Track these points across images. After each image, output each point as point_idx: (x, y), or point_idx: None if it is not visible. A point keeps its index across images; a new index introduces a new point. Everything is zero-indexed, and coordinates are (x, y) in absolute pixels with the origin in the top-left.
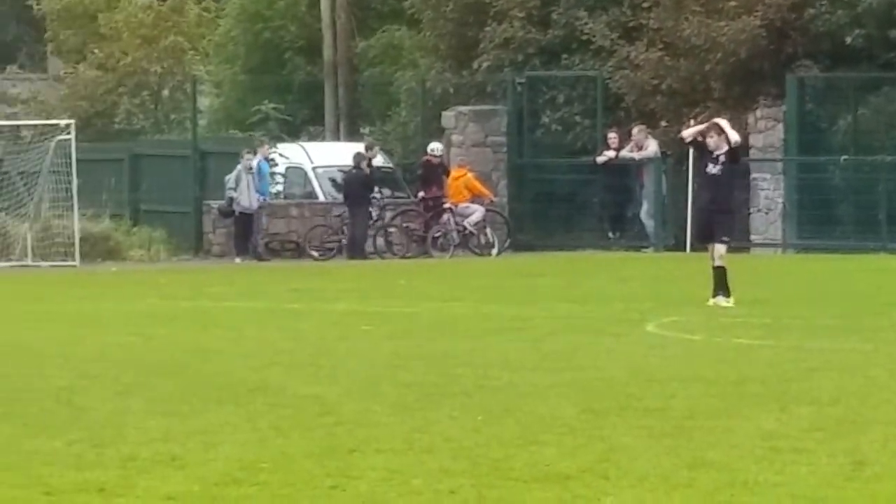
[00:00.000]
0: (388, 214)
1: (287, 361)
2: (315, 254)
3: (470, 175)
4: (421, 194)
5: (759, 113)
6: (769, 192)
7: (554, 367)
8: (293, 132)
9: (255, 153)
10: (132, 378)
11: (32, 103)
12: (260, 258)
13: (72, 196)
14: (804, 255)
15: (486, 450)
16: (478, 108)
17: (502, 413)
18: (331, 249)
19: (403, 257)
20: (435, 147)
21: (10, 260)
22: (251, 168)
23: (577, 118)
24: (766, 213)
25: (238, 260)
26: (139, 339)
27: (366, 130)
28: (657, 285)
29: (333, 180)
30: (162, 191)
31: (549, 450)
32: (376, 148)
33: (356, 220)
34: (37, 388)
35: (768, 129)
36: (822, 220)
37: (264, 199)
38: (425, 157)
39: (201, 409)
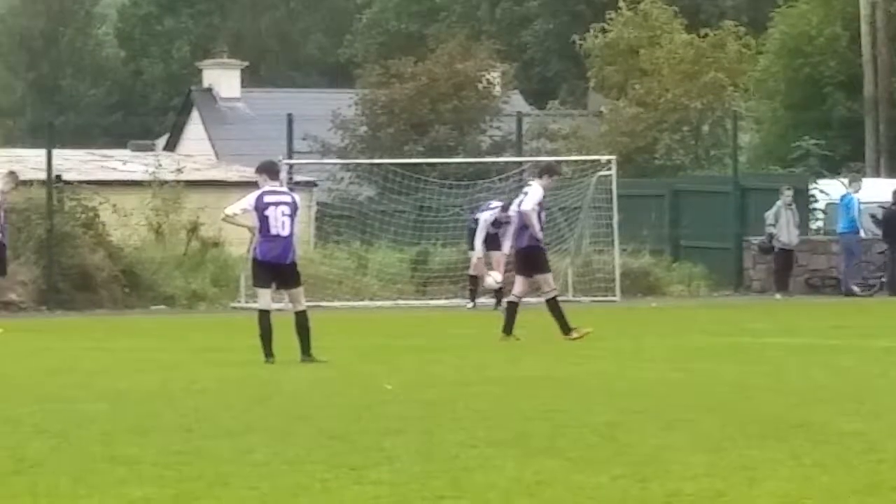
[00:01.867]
0: None
1: (828, 398)
2: (856, 290)
3: None
4: None
5: None
6: None
7: None
8: (833, 168)
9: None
10: (675, 413)
11: (573, 139)
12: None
13: (612, 231)
14: None
15: None
16: None
17: None
18: (872, 286)
19: None
20: None
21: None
22: (790, 204)
23: None
24: None
25: (778, 296)
26: (682, 375)
27: None
28: None
29: (874, 216)
30: (702, 226)
31: None
32: None
33: None
34: (581, 423)
35: None
36: None
37: (858, 235)
38: None
39: (744, 444)
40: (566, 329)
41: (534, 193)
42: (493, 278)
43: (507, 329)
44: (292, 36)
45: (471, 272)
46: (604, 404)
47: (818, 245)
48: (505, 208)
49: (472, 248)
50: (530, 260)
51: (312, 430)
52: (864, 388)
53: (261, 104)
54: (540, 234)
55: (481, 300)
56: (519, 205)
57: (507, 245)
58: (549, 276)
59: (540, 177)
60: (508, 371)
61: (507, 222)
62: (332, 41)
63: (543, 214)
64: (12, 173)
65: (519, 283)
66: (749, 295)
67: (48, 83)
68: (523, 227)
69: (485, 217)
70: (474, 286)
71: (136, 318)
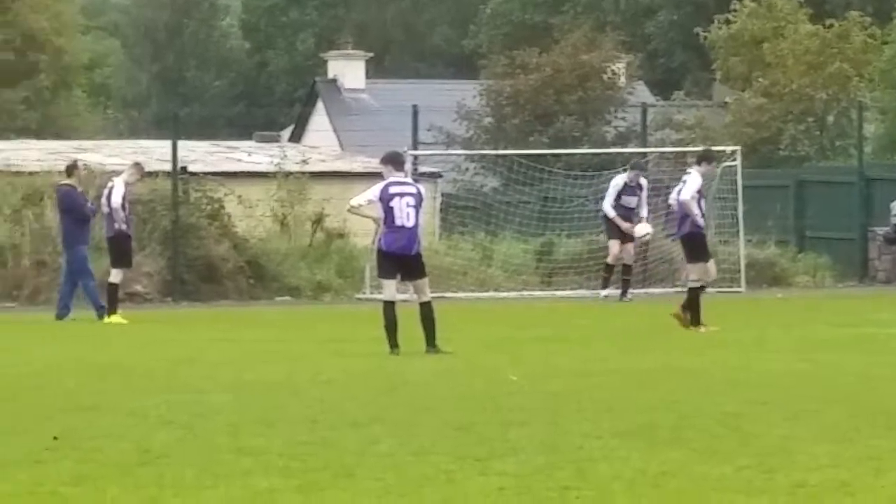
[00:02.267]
0: None
1: None
2: None
3: None
4: None
5: None
6: None
7: None
8: None
9: None
10: (800, 404)
11: (697, 129)
12: None
13: (737, 222)
14: None
15: None
16: None
17: None
18: None
19: None
20: None
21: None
22: None
23: None
24: None
25: None
26: (807, 366)
27: None
28: None
29: None
30: (827, 217)
31: None
32: None
33: None
34: (706, 414)
35: None
36: None
37: None
38: None
39: (869, 435)
40: (696, 321)
41: (692, 182)
42: (644, 229)
43: (696, 320)
44: (417, 27)
45: (609, 261)
46: (728, 395)
47: None
48: (634, 166)
49: (610, 237)
50: (691, 245)
51: (437, 422)
52: None
53: (385, 95)
54: (701, 221)
55: (609, 291)
56: (678, 193)
57: (644, 211)
58: (701, 266)
59: (698, 164)
60: (633, 362)
61: (639, 185)
62: (457, 32)
63: (703, 202)
64: (138, 164)
65: (693, 270)
66: (874, 285)
67: (173, 75)
68: (684, 215)
69: (615, 183)
70: (608, 274)
71: (261, 310)
